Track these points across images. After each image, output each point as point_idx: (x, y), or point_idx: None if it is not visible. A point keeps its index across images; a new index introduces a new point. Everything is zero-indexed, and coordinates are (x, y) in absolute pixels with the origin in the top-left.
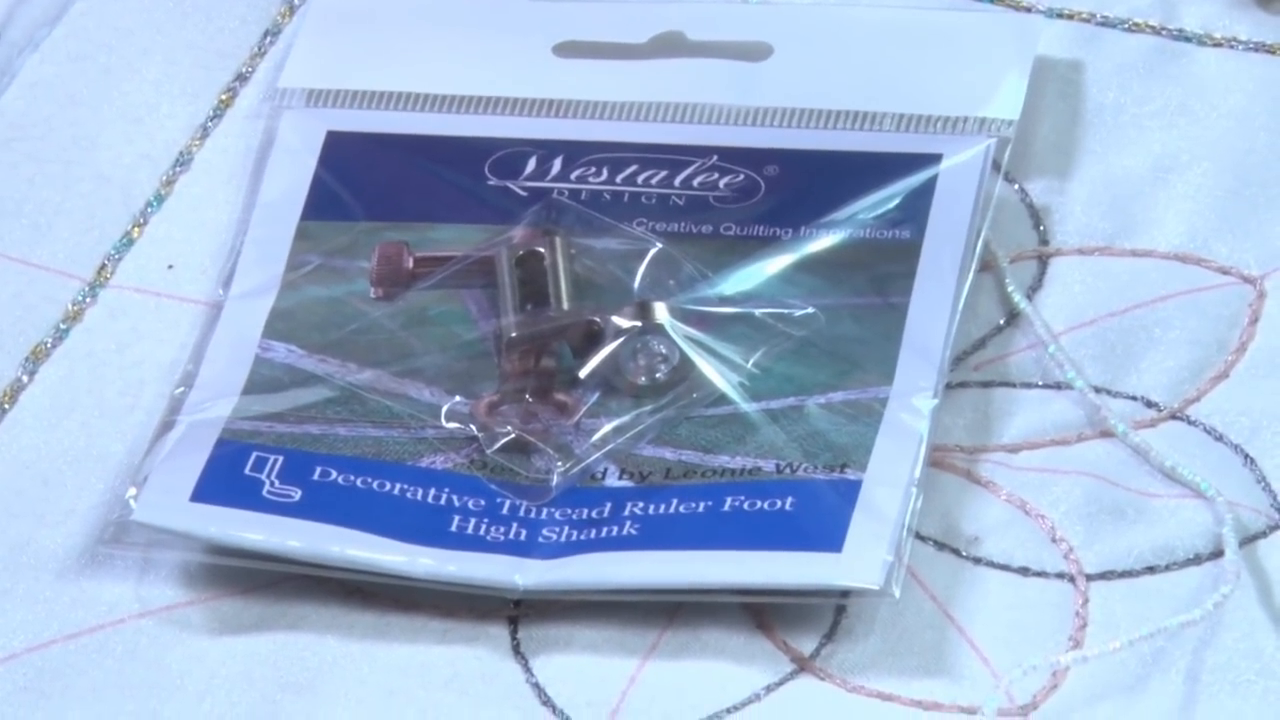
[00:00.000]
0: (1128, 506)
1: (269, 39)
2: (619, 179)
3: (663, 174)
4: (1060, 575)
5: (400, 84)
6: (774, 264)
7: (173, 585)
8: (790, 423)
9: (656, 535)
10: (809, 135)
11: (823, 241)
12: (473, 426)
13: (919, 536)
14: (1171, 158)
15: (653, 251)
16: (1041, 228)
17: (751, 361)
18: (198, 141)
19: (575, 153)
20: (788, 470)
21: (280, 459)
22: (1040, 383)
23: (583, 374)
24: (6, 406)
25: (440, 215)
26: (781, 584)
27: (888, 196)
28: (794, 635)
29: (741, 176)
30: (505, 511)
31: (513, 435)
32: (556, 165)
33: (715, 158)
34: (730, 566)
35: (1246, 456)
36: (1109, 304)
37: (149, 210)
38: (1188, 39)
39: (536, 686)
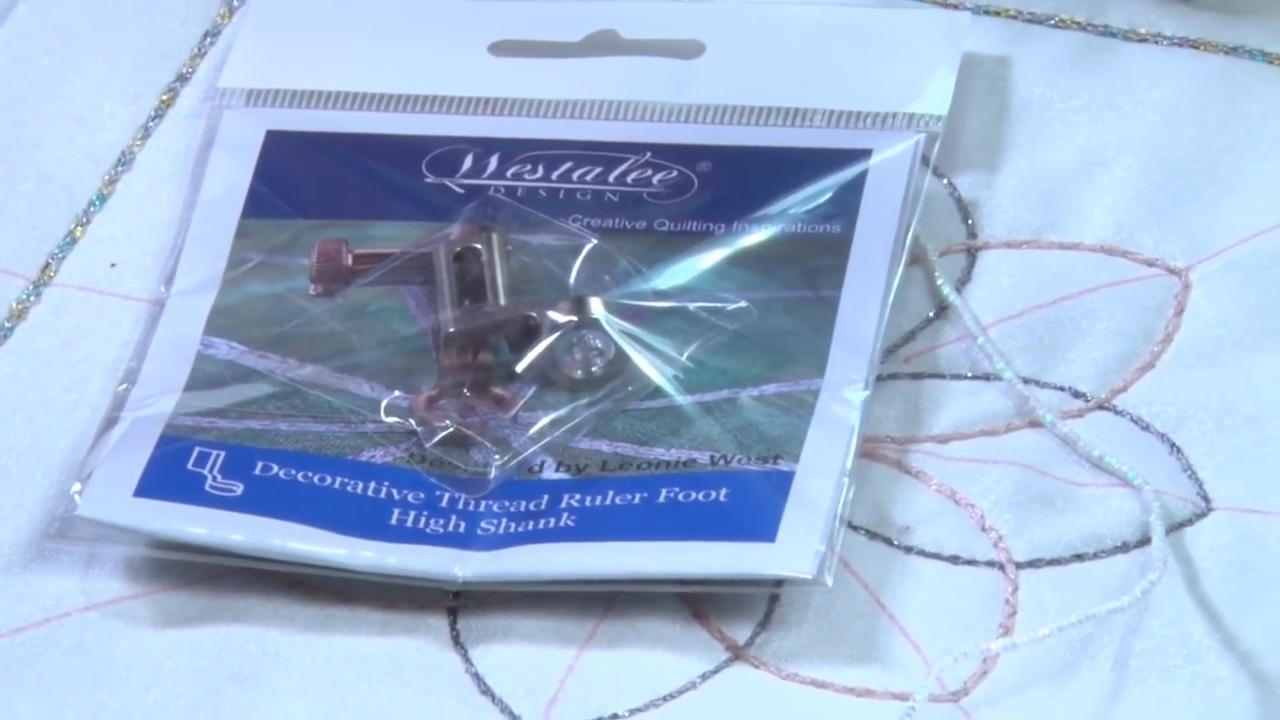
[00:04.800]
0: (1056, 495)
1: (209, 40)
2: (554, 176)
3: (597, 171)
4: (990, 563)
5: (338, 84)
6: (707, 259)
7: (117, 579)
8: (724, 415)
9: (593, 527)
10: (741, 132)
11: (755, 236)
12: (412, 421)
13: (851, 526)
14: (1098, 152)
15: (588, 247)
16: (970, 221)
17: (686, 355)
18: (139, 141)
19: (511, 150)
20: (722, 462)
21: (222, 454)
22: (969, 374)
23: (520, 368)
24: None
25: (379, 213)
26: (716, 574)
27: (819, 191)
28: (729, 624)
29: (675, 173)
30: (444, 504)
31: (451, 429)
32: (493, 163)
33: (649, 154)
34: (666, 557)
35: (1173, 445)
36: (1037, 296)
37: (92, 209)
38: (1113, 35)
39: (476, 676)
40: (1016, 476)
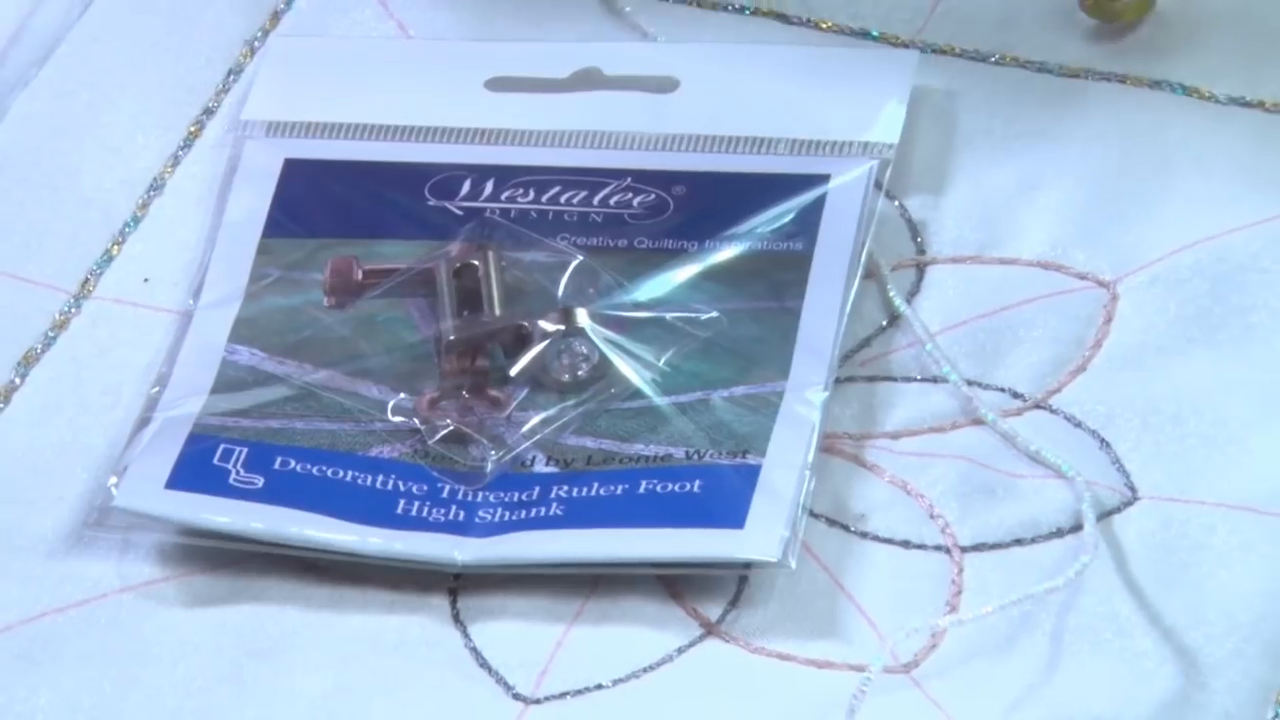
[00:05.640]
0: (997, 486)
1: (232, 77)
2: (544, 199)
3: (583, 194)
4: (938, 548)
5: (350, 116)
6: (682, 273)
7: (150, 563)
8: (697, 414)
9: (580, 515)
10: (713, 159)
11: (725, 253)
12: (416, 420)
13: (812, 514)
14: (1034, 176)
15: (574, 263)
16: (919, 239)
17: (663, 360)
18: (170, 169)
19: (505, 176)
20: (695, 456)
21: (245, 450)
22: (919, 377)
23: (513, 372)
24: (1, 406)
25: (386, 232)
26: (691, 557)
27: (782, 212)
28: (702, 603)
29: (653, 196)
30: (445, 495)
31: (451, 427)
32: (489, 187)
33: (629, 179)
34: (645, 542)
35: (1102, 441)
36: (979, 306)
37: (127, 230)
38: (1048, 70)
39: (474, 650)
40: (962, 469)
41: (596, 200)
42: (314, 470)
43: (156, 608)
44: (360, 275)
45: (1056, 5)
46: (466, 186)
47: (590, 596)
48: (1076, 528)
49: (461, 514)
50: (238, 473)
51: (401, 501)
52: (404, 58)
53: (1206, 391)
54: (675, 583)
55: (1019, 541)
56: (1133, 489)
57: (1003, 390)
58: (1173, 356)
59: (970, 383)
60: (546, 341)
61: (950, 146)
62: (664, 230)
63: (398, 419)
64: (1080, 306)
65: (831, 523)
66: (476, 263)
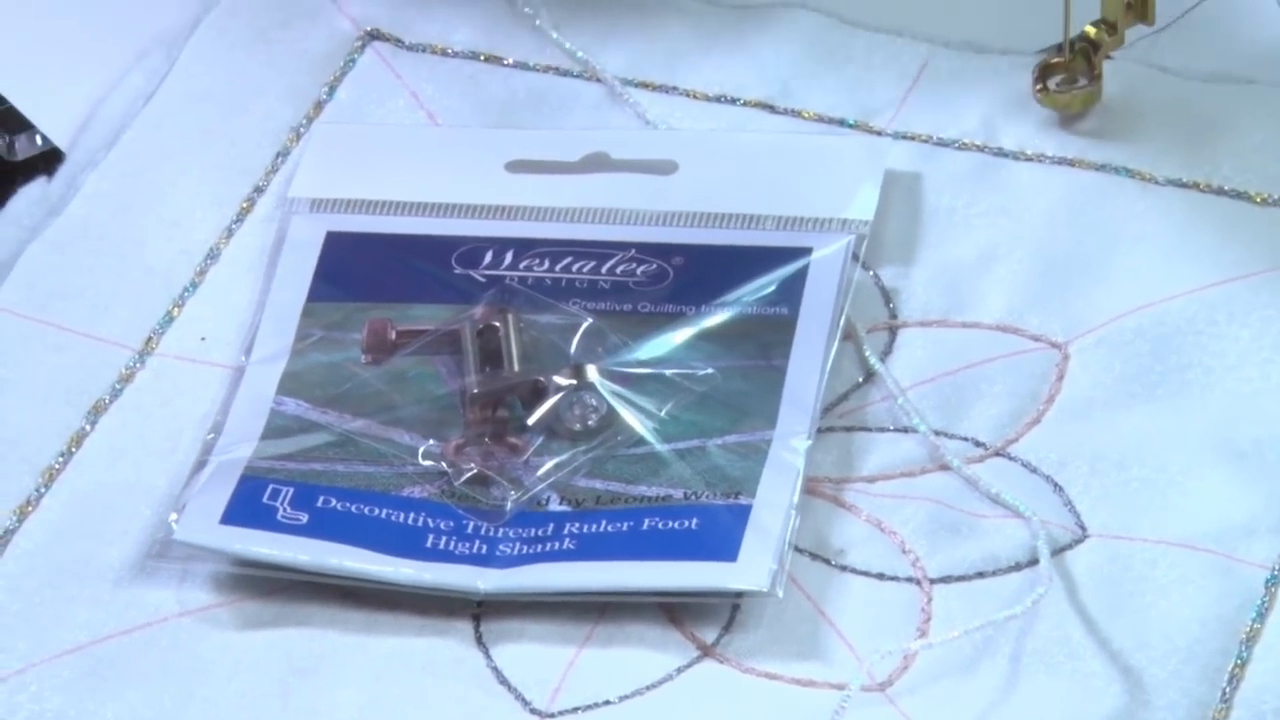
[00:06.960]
0: (962, 525)
1: (280, 159)
2: (558, 268)
3: (592, 264)
4: (909, 580)
5: (385, 194)
6: (680, 335)
7: (206, 590)
8: (695, 460)
9: (589, 549)
10: (707, 233)
11: (719, 317)
12: (443, 464)
13: (797, 549)
14: (994, 249)
15: (585, 325)
16: (891, 305)
17: (664, 411)
18: (224, 240)
19: (523, 248)
20: (693, 497)
21: (291, 490)
22: (891, 428)
23: (530, 422)
24: (74, 450)
25: (417, 297)
26: (689, 587)
27: (769, 281)
28: (699, 628)
29: (654, 266)
30: (469, 531)
31: (475, 470)
32: (508, 257)
33: (633, 251)
34: (648, 573)
35: (1055, 485)
36: (945, 365)
37: (186, 294)
38: (1006, 155)
39: (495, 670)
40: (930, 510)
41: (604, 269)
42: (353, 508)
43: (211, 630)
44: (394, 335)
45: (1012, 97)
46: (489, 257)
47: (599, 622)
48: (1032, 562)
49: (484, 548)
50: (285, 510)
51: (430, 536)
52: (433, 143)
53: (1148, 441)
54: (674, 609)
55: (981, 574)
56: (1083, 528)
57: (966, 440)
58: (1118, 410)
59: (937, 433)
60: (560, 394)
61: (919, 223)
62: (664, 296)
63: (427, 463)
64: (1035, 365)
65: (814, 557)
66: (497, 324)
